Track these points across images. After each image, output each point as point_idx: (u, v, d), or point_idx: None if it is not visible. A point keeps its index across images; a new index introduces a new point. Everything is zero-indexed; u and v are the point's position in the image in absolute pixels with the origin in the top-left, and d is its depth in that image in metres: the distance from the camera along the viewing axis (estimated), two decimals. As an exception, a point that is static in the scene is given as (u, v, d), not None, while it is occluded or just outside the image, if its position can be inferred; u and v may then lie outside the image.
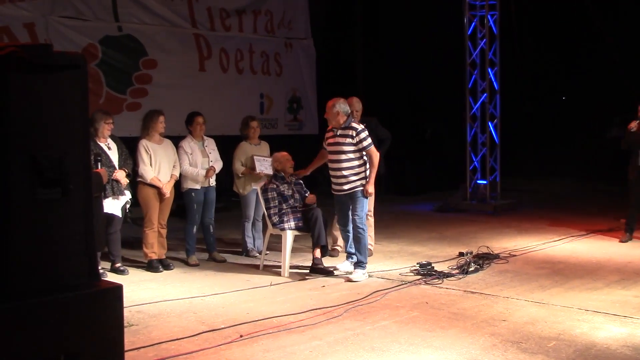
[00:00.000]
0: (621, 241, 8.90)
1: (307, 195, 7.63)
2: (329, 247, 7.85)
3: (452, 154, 14.03)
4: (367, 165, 7.10)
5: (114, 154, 7.14)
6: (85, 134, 2.98)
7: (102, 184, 6.79)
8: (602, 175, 13.65)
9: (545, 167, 15.61)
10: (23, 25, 9.09)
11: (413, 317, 5.65)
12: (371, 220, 8.10)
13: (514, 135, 13.61)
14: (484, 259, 7.65)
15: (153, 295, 6.39)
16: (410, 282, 6.84)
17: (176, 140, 7.85)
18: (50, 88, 2.80)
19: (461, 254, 7.72)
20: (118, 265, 7.35)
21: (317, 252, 7.31)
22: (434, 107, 15.51)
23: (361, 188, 7.05)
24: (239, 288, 6.68)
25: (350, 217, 7.18)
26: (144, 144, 7.42)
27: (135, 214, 8.08)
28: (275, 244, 7.93)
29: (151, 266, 7.45)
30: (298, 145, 10.95)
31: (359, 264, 7.10)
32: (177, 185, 7.73)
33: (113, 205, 7.07)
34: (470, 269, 7.22)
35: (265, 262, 7.62)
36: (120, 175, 7.08)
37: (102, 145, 7.06)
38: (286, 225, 7.35)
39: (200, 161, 7.76)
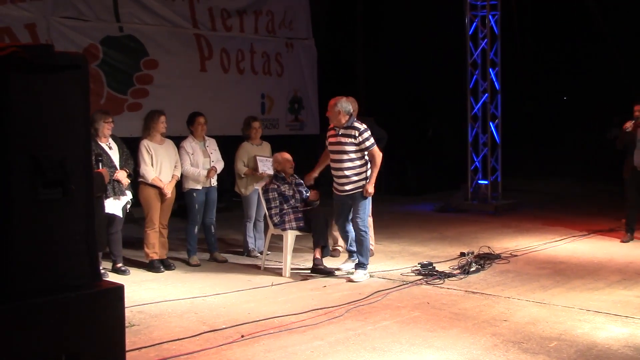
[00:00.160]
0: (622, 241, 8.90)
1: (307, 195, 7.63)
2: (330, 248, 7.85)
3: (453, 154, 14.03)
4: (369, 166, 7.09)
5: (115, 154, 7.14)
6: (87, 134, 2.98)
7: (104, 184, 6.80)
8: (603, 175, 13.63)
9: (546, 167, 15.60)
10: (24, 25, 9.08)
11: (414, 317, 5.65)
12: (370, 220, 8.08)
13: (514, 135, 13.59)
14: (485, 259, 7.65)
15: (154, 296, 6.40)
16: (412, 282, 6.84)
17: (177, 141, 7.85)
18: (51, 88, 2.80)
19: (462, 254, 7.73)
20: (119, 265, 7.36)
21: (318, 253, 7.31)
22: (435, 107, 15.52)
23: (362, 189, 7.04)
24: (240, 288, 6.69)
25: (350, 218, 7.18)
26: (145, 144, 7.43)
27: (137, 214, 8.08)
28: (276, 245, 7.94)
29: (152, 266, 7.46)
30: (299, 146, 10.96)
31: (360, 265, 7.10)
32: (179, 185, 7.74)
33: (114, 206, 7.08)
34: (472, 269, 7.22)
35: (267, 263, 7.63)
36: (122, 176, 7.09)
37: (104, 145, 7.07)
38: (287, 226, 7.35)
39: (202, 161, 7.76)
